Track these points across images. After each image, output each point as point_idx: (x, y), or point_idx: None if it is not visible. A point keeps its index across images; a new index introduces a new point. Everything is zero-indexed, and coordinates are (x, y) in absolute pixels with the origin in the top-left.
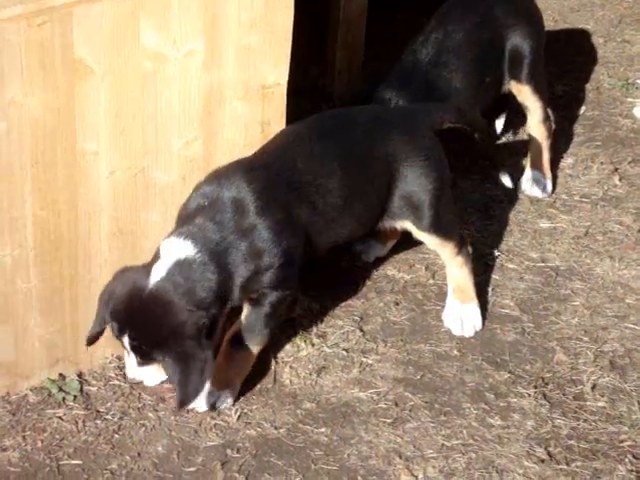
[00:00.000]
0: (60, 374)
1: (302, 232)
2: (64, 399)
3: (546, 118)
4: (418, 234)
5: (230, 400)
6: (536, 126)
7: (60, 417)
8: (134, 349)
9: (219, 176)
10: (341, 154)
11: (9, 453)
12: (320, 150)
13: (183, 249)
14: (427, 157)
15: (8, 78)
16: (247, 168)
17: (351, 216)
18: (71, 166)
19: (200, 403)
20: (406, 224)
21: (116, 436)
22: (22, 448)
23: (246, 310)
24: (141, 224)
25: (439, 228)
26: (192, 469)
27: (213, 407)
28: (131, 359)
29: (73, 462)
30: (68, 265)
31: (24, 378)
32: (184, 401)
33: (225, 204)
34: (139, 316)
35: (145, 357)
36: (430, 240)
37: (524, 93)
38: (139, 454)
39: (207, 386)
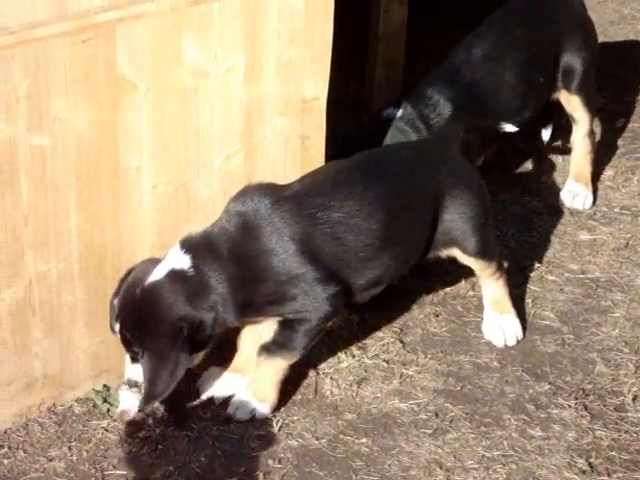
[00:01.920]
0: (104, 385)
1: (322, 264)
2: (108, 410)
3: (591, 131)
4: (465, 259)
5: (266, 410)
6: (581, 138)
7: (105, 428)
8: (122, 338)
9: (245, 194)
10: (384, 194)
11: (55, 463)
12: (362, 191)
13: (182, 256)
14: (467, 184)
15: (53, 94)
16: (275, 194)
17: (392, 256)
18: (114, 181)
19: (240, 413)
20: (453, 251)
21: (160, 447)
22: (68, 458)
23: (277, 328)
24: None
25: (484, 251)
26: (234, 479)
27: (253, 417)
28: (127, 356)
29: (118, 472)
30: (112, 278)
31: (69, 389)
32: (149, 399)
33: (239, 224)
34: (129, 308)
35: (129, 350)
36: (476, 264)
37: (573, 104)
38: (182, 464)
39: (247, 395)
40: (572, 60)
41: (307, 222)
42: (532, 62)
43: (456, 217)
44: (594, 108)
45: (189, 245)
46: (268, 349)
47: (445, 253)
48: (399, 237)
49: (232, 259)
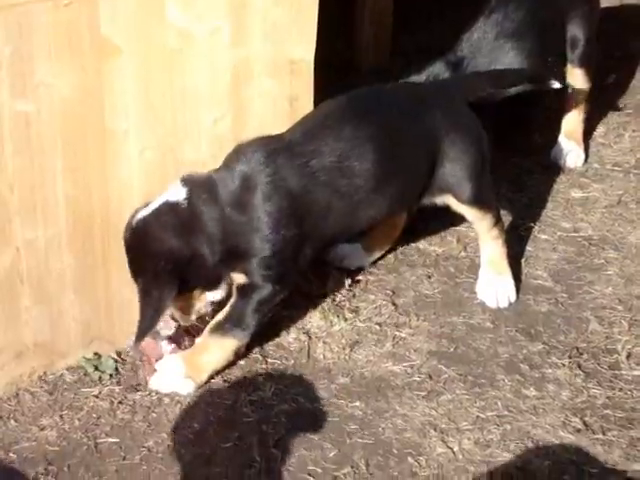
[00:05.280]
0: (95, 353)
1: (309, 226)
2: (100, 378)
3: (588, 94)
4: (458, 207)
5: (192, 387)
6: (577, 100)
7: (96, 396)
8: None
9: (239, 151)
10: (375, 135)
11: (47, 432)
12: (351, 131)
13: (179, 189)
14: (466, 131)
15: (37, 59)
16: (267, 147)
17: (386, 197)
18: (101, 145)
19: (159, 384)
20: (446, 198)
21: (152, 414)
22: (60, 427)
23: (233, 299)
24: None
25: (479, 200)
26: (228, 445)
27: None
28: None
29: (110, 440)
30: (101, 244)
31: (60, 358)
32: (137, 333)
33: (235, 178)
34: (126, 242)
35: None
36: (470, 213)
37: (575, 75)
38: (175, 431)
39: (179, 366)
40: (576, 32)
41: (301, 173)
42: (541, 45)
43: (452, 163)
44: (593, 77)
45: (188, 180)
46: (222, 327)
47: (440, 199)
48: (393, 177)
49: (227, 204)
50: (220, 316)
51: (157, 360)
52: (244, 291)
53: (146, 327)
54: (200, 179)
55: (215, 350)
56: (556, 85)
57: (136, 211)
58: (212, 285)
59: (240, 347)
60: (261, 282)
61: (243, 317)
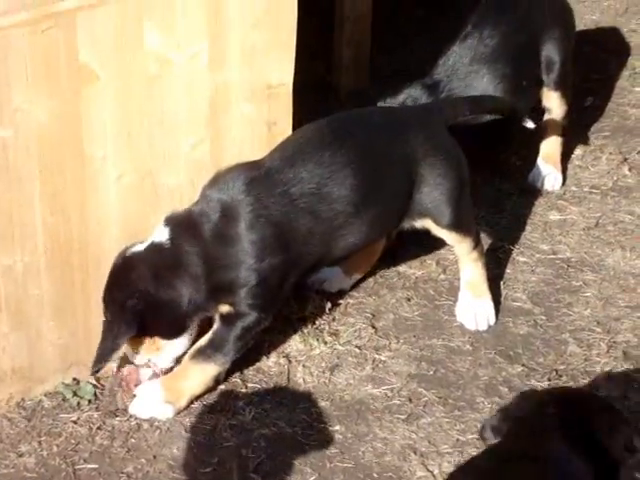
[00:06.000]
0: (74, 379)
1: (292, 252)
2: (79, 404)
3: (565, 116)
4: (438, 231)
5: (171, 413)
6: (554, 123)
7: (75, 421)
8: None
9: (218, 179)
10: (354, 159)
11: (25, 459)
12: (330, 157)
13: (161, 233)
14: (445, 155)
15: (14, 85)
16: (247, 175)
17: (365, 222)
18: (79, 171)
19: (138, 410)
20: (426, 222)
21: (131, 440)
22: (38, 453)
23: (216, 325)
24: (150, 227)
25: (459, 225)
26: (208, 470)
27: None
28: None
29: (89, 466)
30: (79, 270)
31: (38, 383)
32: (94, 361)
33: (216, 208)
34: (110, 273)
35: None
36: (449, 237)
37: (552, 98)
38: (154, 457)
39: (157, 392)
40: (550, 56)
41: (281, 202)
42: (514, 70)
43: (431, 187)
44: (570, 96)
45: (170, 220)
46: (203, 352)
47: (420, 223)
48: (373, 203)
49: (209, 238)
50: (202, 342)
51: (136, 385)
52: (228, 319)
53: (101, 358)
54: (181, 216)
55: (195, 375)
56: (530, 125)
57: (126, 248)
58: (175, 334)
59: (220, 373)
60: (248, 310)
61: (225, 343)
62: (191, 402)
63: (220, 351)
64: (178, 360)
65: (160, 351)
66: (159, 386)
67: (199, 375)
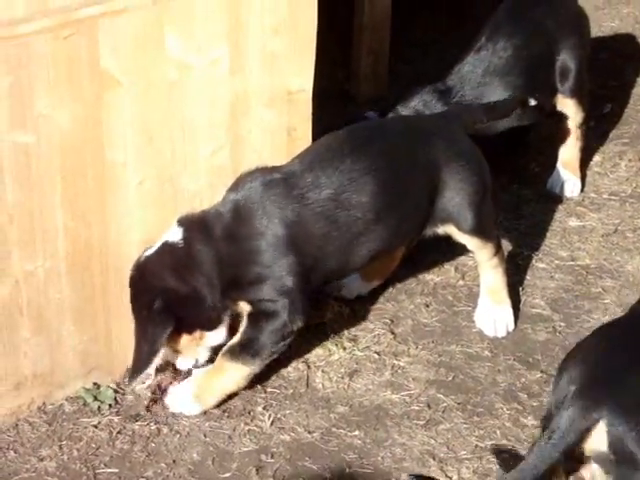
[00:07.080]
0: (95, 383)
1: (308, 256)
2: (99, 408)
3: (583, 122)
4: (460, 237)
5: (198, 410)
6: (572, 130)
7: (95, 426)
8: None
9: (239, 181)
10: (375, 167)
11: (46, 463)
12: (350, 164)
13: (176, 229)
14: (467, 160)
15: (36, 91)
16: (266, 178)
17: (387, 229)
18: (100, 177)
19: (170, 403)
20: (448, 228)
21: (151, 444)
22: (59, 457)
23: (243, 325)
24: None
25: (481, 230)
26: (227, 475)
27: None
28: None
29: (109, 470)
30: (100, 275)
31: (59, 388)
32: (131, 373)
33: (232, 207)
34: (131, 281)
35: None
36: (471, 242)
37: (568, 105)
38: (174, 461)
39: (189, 389)
40: (567, 63)
41: (296, 204)
42: (527, 81)
43: (453, 192)
44: (586, 103)
45: (184, 220)
46: (232, 350)
47: (442, 229)
48: (393, 210)
49: (222, 238)
50: (234, 340)
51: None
52: (254, 318)
53: (140, 366)
54: (194, 217)
55: (227, 374)
56: (532, 103)
57: (143, 251)
58: (211, 325)
59: (250, 375)
60: (269, 310)
61: (255, 345)
62: (220, 402)
63: (250, 352)
64: (215, 352)
65: (202, 343)
66: (191, 382)
67: (231, 374)
